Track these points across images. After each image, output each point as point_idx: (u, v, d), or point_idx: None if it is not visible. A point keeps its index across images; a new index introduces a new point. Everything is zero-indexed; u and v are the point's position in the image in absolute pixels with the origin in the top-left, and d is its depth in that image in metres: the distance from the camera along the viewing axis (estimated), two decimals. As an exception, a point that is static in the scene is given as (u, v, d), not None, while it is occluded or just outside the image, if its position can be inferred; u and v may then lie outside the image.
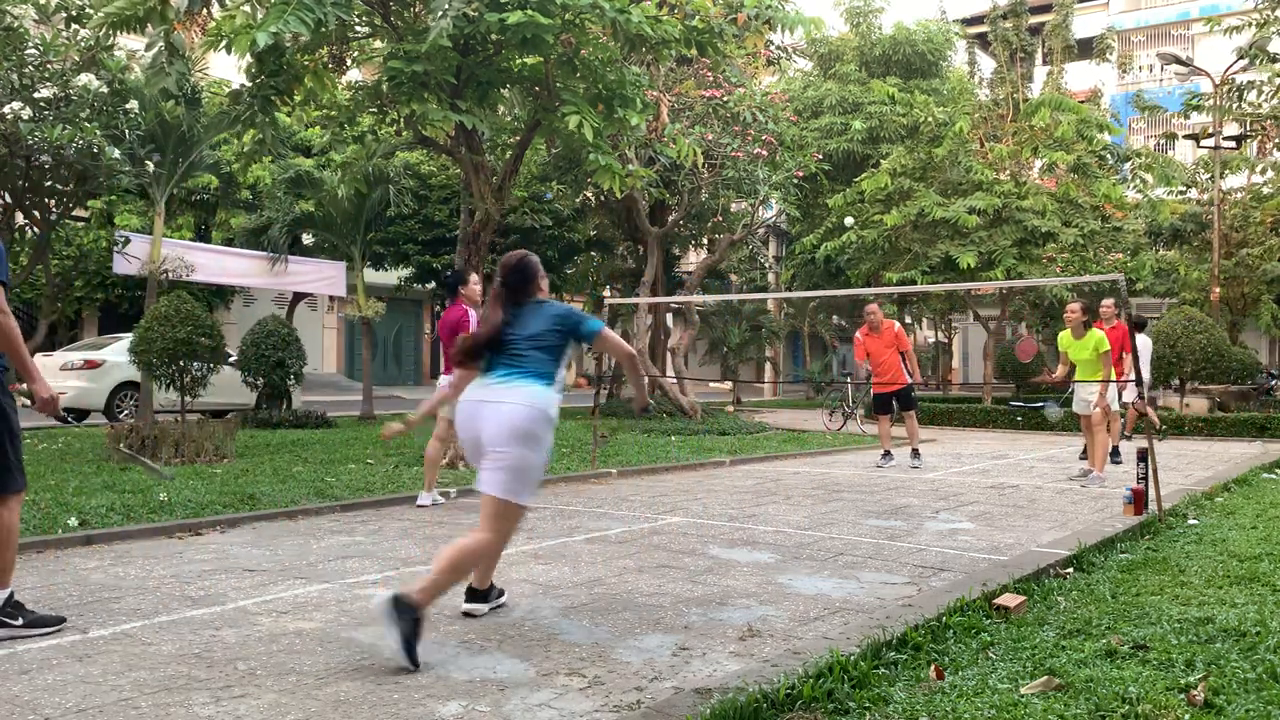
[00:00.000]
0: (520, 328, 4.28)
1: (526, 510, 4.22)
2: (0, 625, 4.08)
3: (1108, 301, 11.30)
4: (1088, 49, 26.40)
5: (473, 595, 4.49)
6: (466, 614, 4.45)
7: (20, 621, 4.11)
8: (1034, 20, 23.07)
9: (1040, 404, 18.25)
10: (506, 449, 4.04)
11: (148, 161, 13.66)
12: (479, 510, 4.23)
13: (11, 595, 4.16)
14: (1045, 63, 23.72)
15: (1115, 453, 11.39)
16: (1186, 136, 21.88)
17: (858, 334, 11.46)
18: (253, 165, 10.65)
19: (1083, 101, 20.99)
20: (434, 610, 4.56)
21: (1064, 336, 10.01)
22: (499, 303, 4.36)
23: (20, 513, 4.27)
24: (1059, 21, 22.07)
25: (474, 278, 8.08)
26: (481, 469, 4.15)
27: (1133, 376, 10.99)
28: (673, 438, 14.17)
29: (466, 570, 4.07)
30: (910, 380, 11.34)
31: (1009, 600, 4.48)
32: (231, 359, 14.19)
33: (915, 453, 11.34)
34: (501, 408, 4.07)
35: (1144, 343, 11.73)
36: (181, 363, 10.38)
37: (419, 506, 7.76)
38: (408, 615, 3.72)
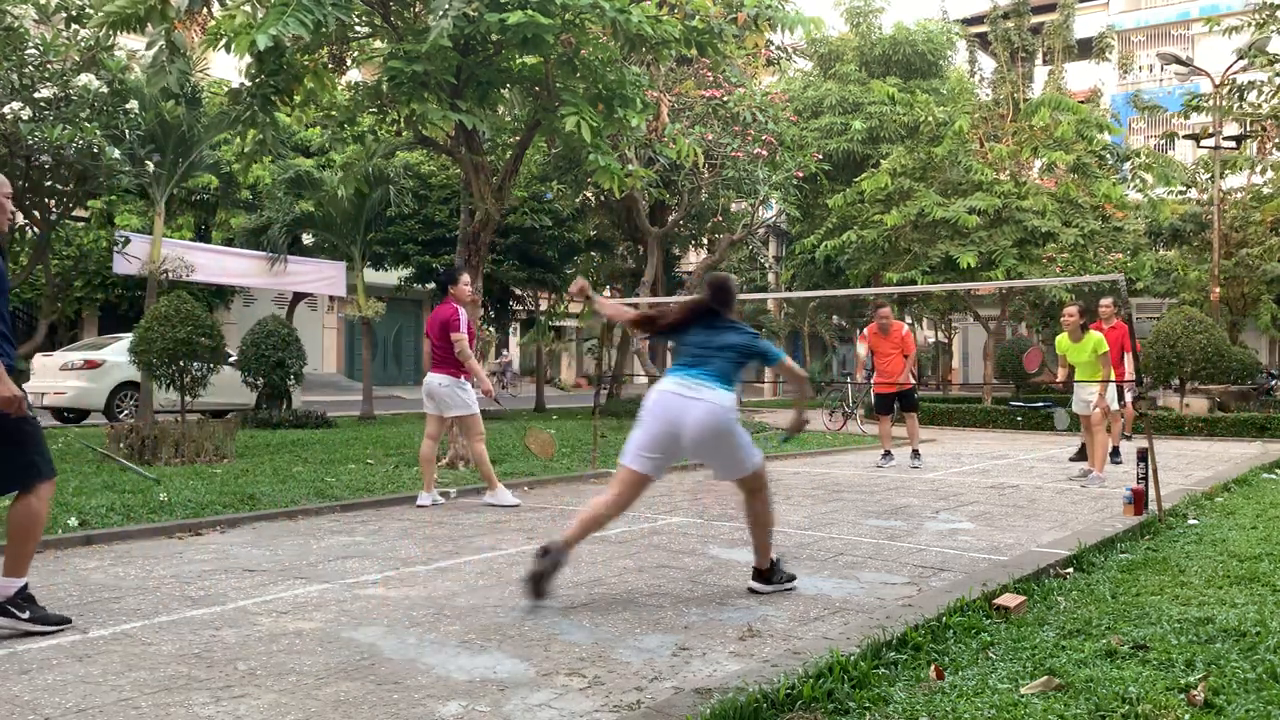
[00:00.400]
0: (714, 336, 4.94)
1: (764, 463, 5.00)
2: (5, 614, 4.07)
3: (1106, 301, 11.29)
4: (1088, 49, 26.40)
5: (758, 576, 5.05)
6: (752, 590, 4.98)
7: (26, 615, 4.11)
8: (1034, 20, 23.07)
9: (1041, 405, 18.27)
10: (716, 445, 4.80)
11: (148, 161, 13.67)
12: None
13: (25, 587, 4.17)
14: (1045, 63, 23.71)
15: (1115, 453, 11.39)
16: (1186, 136, 21.87)
17: (865, 330, 11.49)
18: (253, 165, 10.63)
19: (1082, 101, 20.99)
20: (435, 610, 4.56)
21: (1062, 340, 10.01)
22: (693, 312, 5.07)
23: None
24: (1061, 21, 22.05)
25: (465, 277, 7.99)
26: (709, 466, 5.11)
27: (1132, 376, 11.04)
28: (673, 438, 14.14)
29: (770, 524, 5.01)
30: (913, 383, 11.38)
31: (1009, 600, 4.48)
32: (231, 359, 14.19)
33: (915, 453, 11.35)
34: (699, 406, 4.71)
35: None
36: (181, 363, 10.38)
37: (419, 507, 7.75)
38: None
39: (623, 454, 4.85)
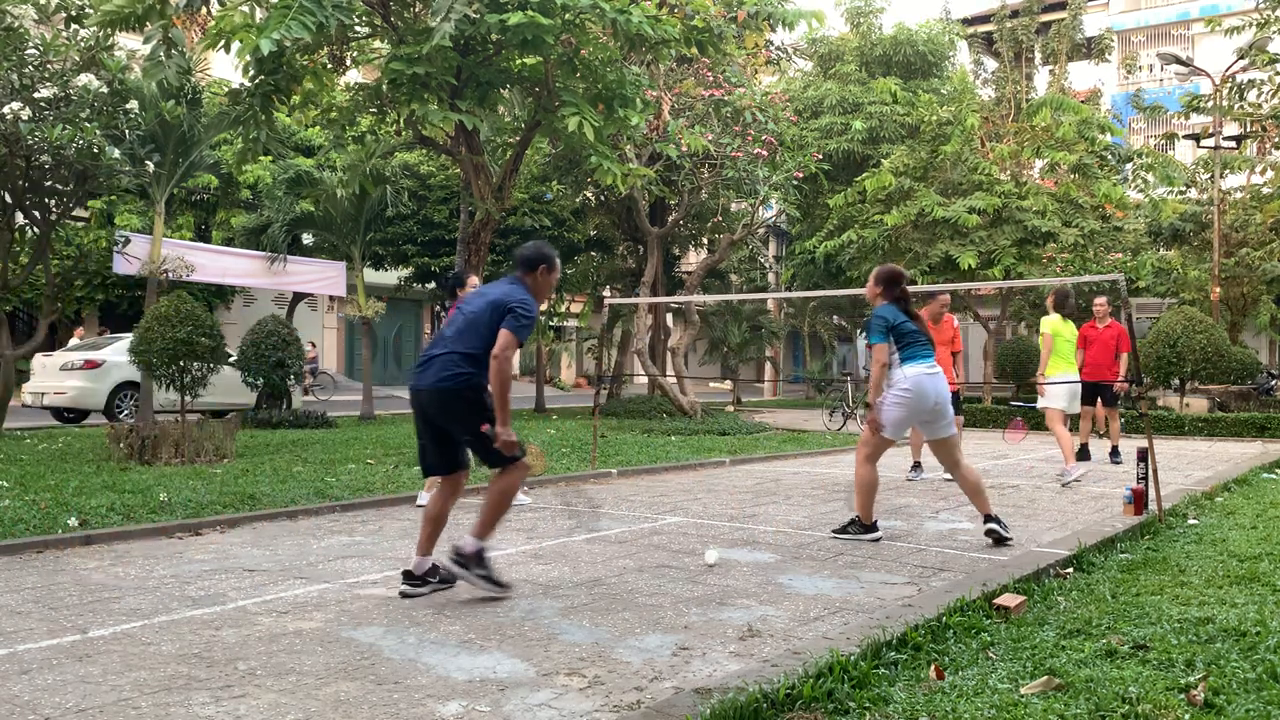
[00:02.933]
0: (914, 321, 6.34)
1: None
2: None
3: (1100, 300, 11.28)
4: (1089, 49, 26.41)
5: (989, 521, 6.23)
6: (990, 536, 6.19)
7: None
8: (1043, 18, 23.05)
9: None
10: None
11: (148, 161, 13.65)
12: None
13: None
14: (1045, 63, 23.67)
15: (1115, 452, 11.39)
16: (1186, 137, 21.87)
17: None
18: (247, 163, 10.64)
19: (1083, 101, 20.99)
20: (435, 610, 4.56)
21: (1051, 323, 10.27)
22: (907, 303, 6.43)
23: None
24: (1069, 21, 22.04)
25: (473, 279, 7.88)
26: (939, 423, 6.31)
27: (1122, 376, 10.99)
28: (673, 438, 14.17)
29: (981, 489, 6.29)
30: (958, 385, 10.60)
31: (1009, 600, 4.48)
32: (231, 359, 14.19)
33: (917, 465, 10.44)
34: (941, 378, 6.29)
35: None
36: (181, 363, 10.38)
37: (419, 506, 7.75)
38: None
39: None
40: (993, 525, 6.17)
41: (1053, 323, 9.89)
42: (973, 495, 6.27)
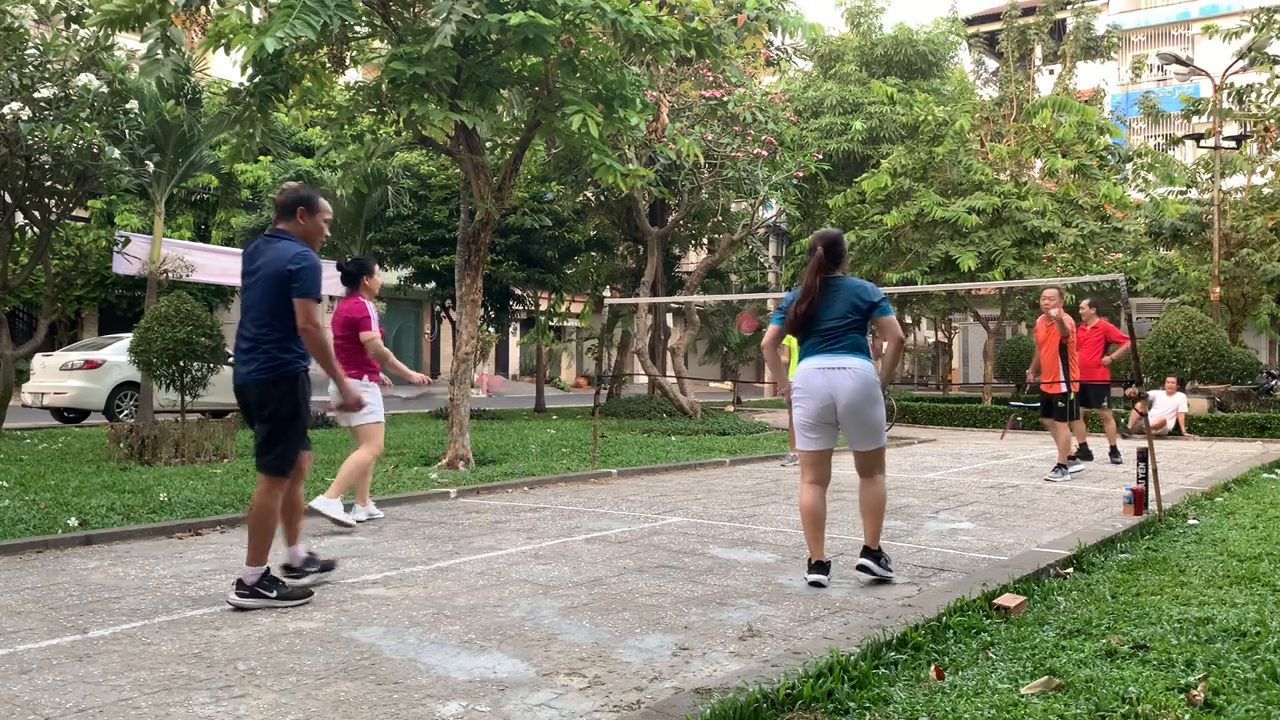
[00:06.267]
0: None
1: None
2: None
3: (1085, 302, 11.35)
4: (1090, 49, 26.42)
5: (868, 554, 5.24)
6: (861, 569, 5.19)
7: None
8: (1031, 20, 23.08)
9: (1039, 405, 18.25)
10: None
11: (148, 161, 13.66)
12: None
13: None
14: (1046, 63, 23.69)
15: (1114, 452, 11.40)
16: (1187, 137, 21.87)
17: (1038, 321, 10.28)
18: (240, 162, 10.64)
19: (1085, 102, 20.99)
20: (435, 610, 4.56)
21: (790, 339, 10.28)
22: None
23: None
24: (1083, 22, 22.06)
25: (377, 268, 7.10)
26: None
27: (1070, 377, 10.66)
28: (673, 438, 14.17)
29: (882, 510, 5.16)
30: (1064, 386, 9.96)
31: (1009, 600, 4.48)
32: (231, 359, 14.18)
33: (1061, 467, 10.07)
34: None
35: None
36: (181, 363, 10.38)
37: (346, 525, 6.71)
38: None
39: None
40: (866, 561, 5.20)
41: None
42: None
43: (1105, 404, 11.54)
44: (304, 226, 4.79)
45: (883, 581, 5.14)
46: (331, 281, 19.52)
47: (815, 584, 5.09)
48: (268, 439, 4.65)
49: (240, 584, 4.58)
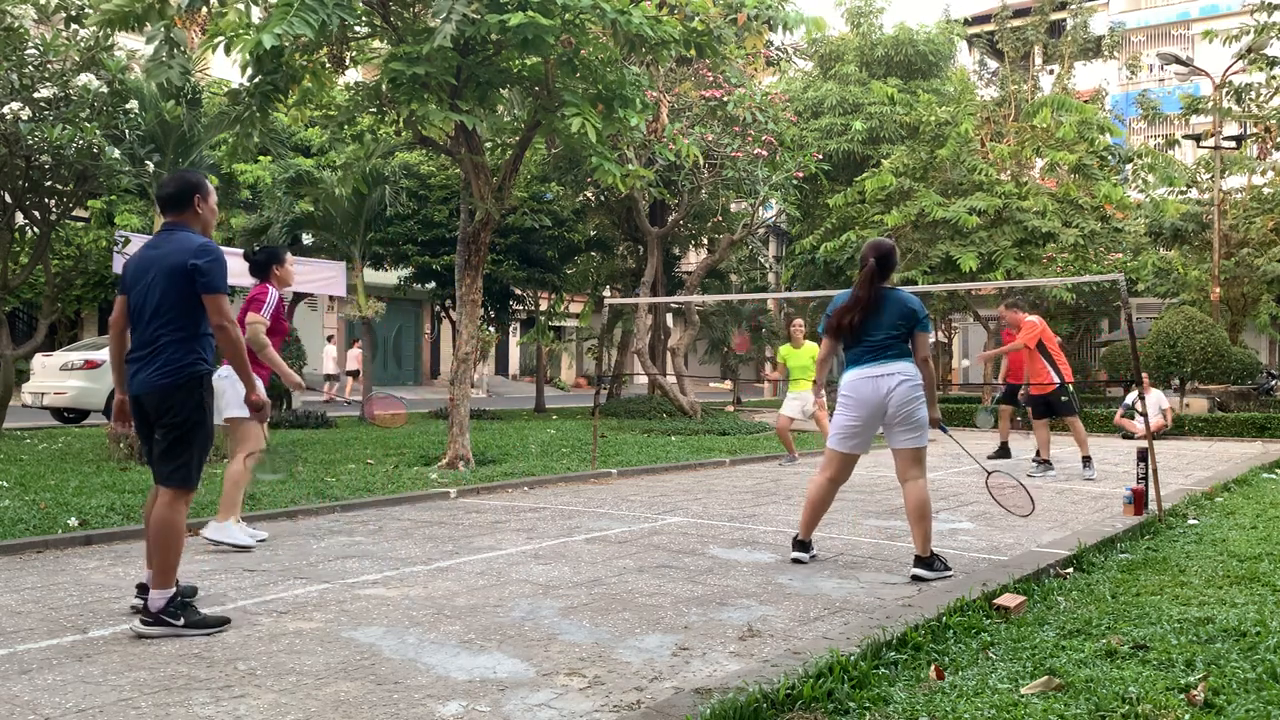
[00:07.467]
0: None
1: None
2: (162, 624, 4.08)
3: (1002, 306, 10.94)
4: (1091, 49, 26.42)
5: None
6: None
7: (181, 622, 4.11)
8: (1025, 22, 23.07)
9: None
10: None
11: (148, 161, 13.64)
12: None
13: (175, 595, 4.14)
14: (1046, 63, 23.70)
15: (1086, 461, 10.72)
16: (1187, 137, 21.87)
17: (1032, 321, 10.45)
18: (237, 161, 10.63)
19: (1086, 102, 20.99)
20: (435, 610, 4.56)
21: (784, 349, 11.23)
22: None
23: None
24: (1080, 22, 22.06)
25: (290, 257, 6.51)
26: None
27: (1056, 381, 10.37)
28: (673, 438, 14.17)
29: (928, 513, 5.29)
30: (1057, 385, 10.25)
31: (1009, 600, 4.48)
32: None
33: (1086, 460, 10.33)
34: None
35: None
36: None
37: (237, 547, 5.95)
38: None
39: None
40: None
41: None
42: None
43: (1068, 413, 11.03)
44: (202, 216, 4.44)
45: (920, 581, 5.23)
46: (332, 282, 19.36)
47: (795, 560, 5.54)
48: (170, 448, 4.21)
49: (145, 611, 4.14)
